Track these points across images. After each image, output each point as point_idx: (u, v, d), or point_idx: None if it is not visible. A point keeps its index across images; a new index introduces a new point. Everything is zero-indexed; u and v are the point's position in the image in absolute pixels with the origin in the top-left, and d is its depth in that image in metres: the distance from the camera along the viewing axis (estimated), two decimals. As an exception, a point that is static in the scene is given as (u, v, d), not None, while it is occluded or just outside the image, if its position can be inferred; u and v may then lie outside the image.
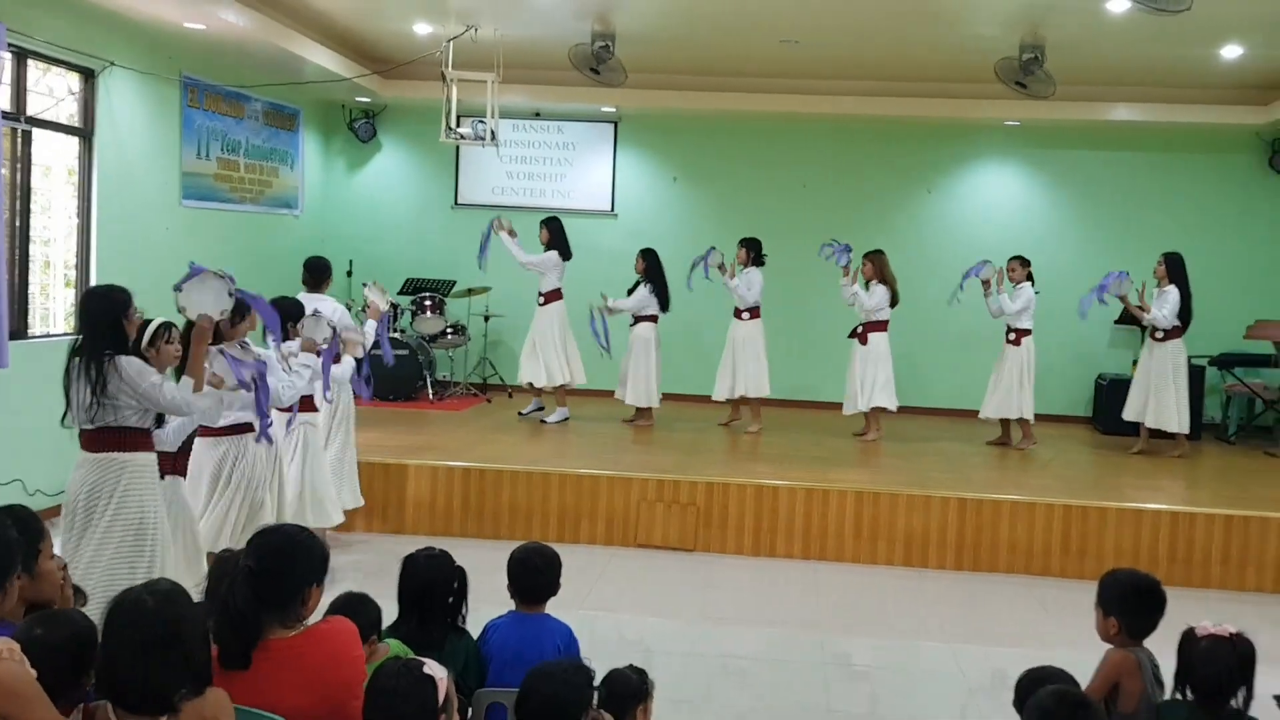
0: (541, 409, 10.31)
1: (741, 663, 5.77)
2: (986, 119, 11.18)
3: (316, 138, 12.20)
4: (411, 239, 12.43)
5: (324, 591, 2.90)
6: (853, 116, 11.34)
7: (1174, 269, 9.51)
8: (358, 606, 3.31)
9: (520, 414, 10.38)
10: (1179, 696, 3.32)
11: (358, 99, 11.82)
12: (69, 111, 8.10)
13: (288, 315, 6.34)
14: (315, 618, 2.87)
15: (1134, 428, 9.81)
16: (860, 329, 9.84)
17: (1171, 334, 9.47)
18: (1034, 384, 9.70)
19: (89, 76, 8.15)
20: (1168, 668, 3.42)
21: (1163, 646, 3.50)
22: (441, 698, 2.52)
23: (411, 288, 11.75)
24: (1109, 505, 7.52)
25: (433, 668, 2.54)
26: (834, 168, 11.97)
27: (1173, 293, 9.41)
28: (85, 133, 8.19)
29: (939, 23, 8.78)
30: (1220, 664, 3.22)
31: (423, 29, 9.59)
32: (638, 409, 10.09)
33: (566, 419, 10.06)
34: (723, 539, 7.71)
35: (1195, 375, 10.36)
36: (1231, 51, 9.25)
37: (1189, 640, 3.29)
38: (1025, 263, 9.84)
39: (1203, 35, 8.78)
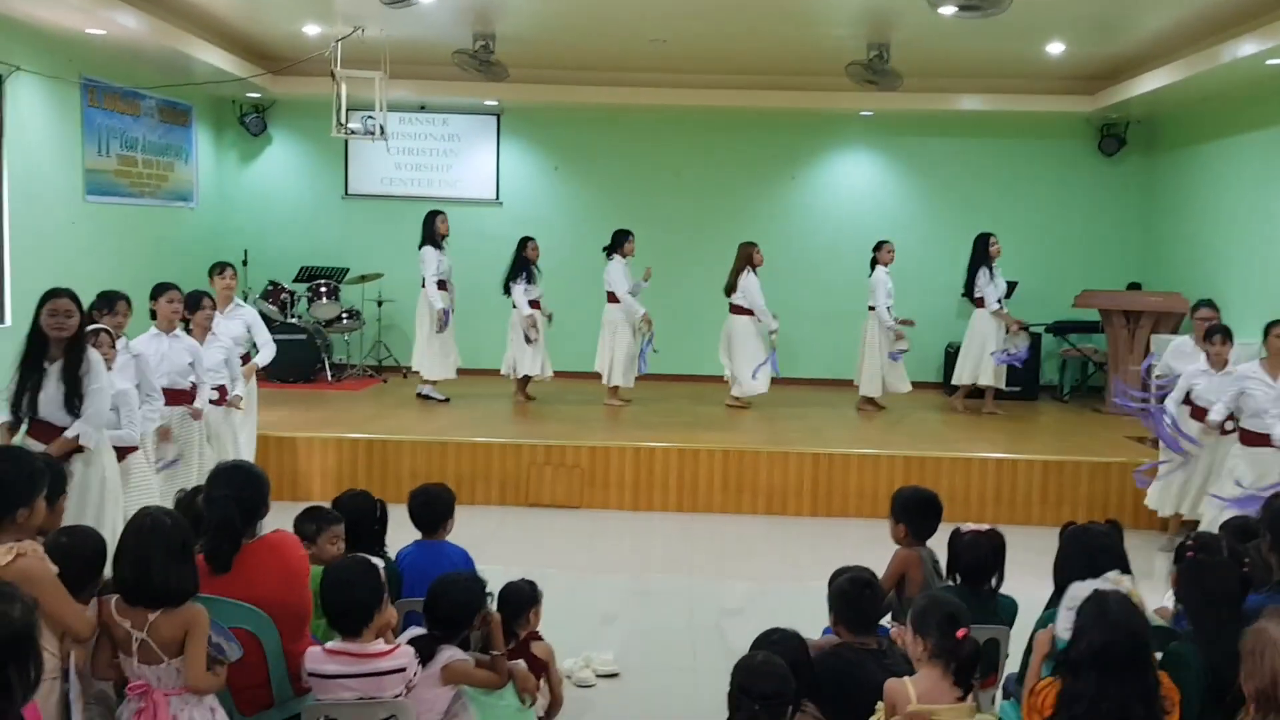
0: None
1: (618, 603, 6.57)
2: (843, 110, 12.11)
3: (209, 132, 12.60)
4: (304, 228, 12.90)
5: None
6: (720, 109, 12.17)
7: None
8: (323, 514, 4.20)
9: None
10: (950, 582, 4.23)
11: (248, 94, 12.26)
12: (-26, 113, 8.51)
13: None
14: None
15: (980, 391, 10.86)
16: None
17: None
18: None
19: (-5, 81, 8.57)
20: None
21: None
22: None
23: (306, 275, 12.26)
24: (944, 455, 8.52)
25: (373, 561, 3.32)
26: (704, 157, 12.81)
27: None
28: (-8, 134, 8.61)
29: (792, 23, 9.63)
30: (979, 552, 4.14)
31: (312, 29, 10.11)
32: (521, 378, 10.75)
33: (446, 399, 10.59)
34: (605, 496, 8.52)
35: (1033, 341, 11.51)
36: (1055, 48, 10.31)
37: (956, 536, 4.21)
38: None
39: (1027, 34, 9.77)
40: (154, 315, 6.74)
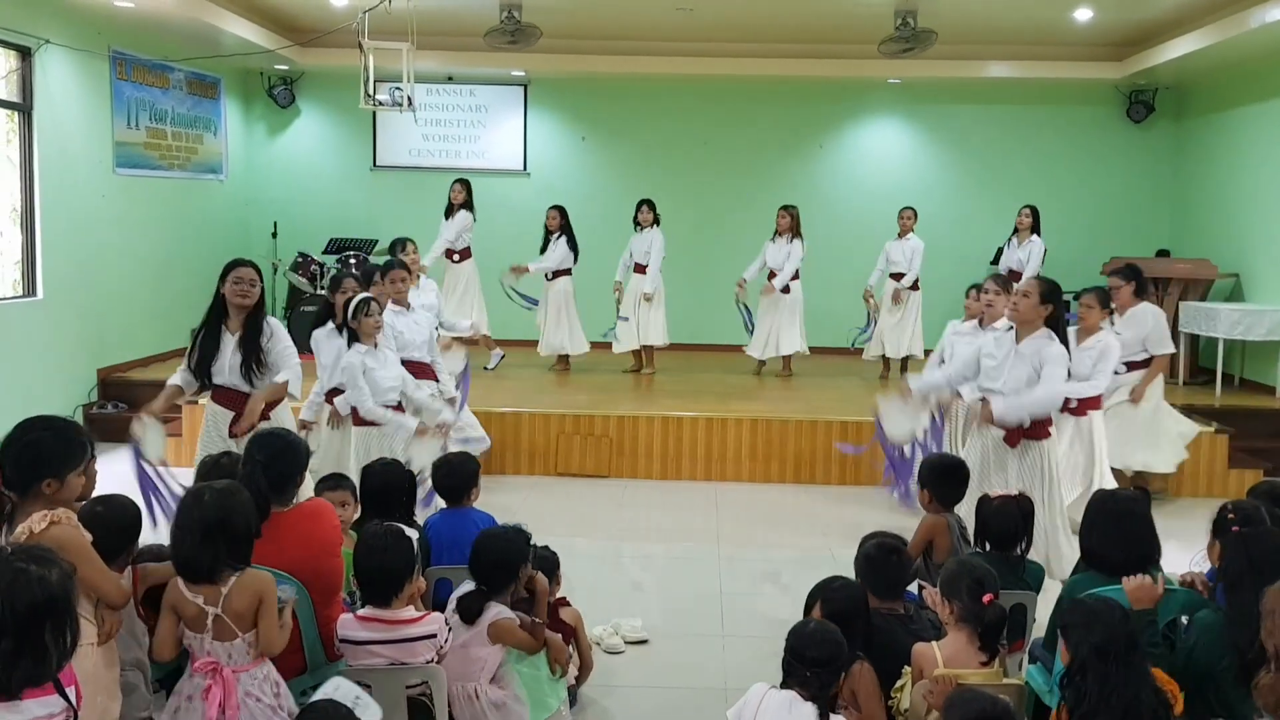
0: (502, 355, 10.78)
1: (646, 571, 6.63)
2: (870, 78, 12.05)
3: (237, 104, 12.67)
4: (333, 200, 12.97)
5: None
6: (747, 77, 12.13)
7: (1035, 221, 10.53)
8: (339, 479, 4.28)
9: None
10: (979, 550, 4.25)
11: (276, 66, 12.30)
12: (6, 88, 8.59)
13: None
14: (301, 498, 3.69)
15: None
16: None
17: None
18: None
19: (25, 55, 8.64)
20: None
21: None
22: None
23: (335, 247, 12.32)
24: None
25: (407, 531, 3.37)
26: (732, 125, 12.77)
27: (1038, 243, 10.45)
28: (24, 108, 8.68)
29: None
30: (1008, 518, 4.15)
31: (339, 1, 10.14)
32: (559, 357, 10.81)
33: (503, 357, 10.54)
34: (634, 466, 8.57)
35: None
36: (1083, 14, 10.21)
37: (984, 503, 4.22)
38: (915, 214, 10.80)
39: (1055, 0, 9.71)
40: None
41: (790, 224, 10.52)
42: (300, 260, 11.97)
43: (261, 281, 5.50)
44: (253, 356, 5.36)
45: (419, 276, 7.80)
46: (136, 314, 10.36)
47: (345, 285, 6.50)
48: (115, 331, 10.00)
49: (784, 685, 3.22)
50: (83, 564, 2.99)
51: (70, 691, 2.54)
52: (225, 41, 10.42)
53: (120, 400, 9.65)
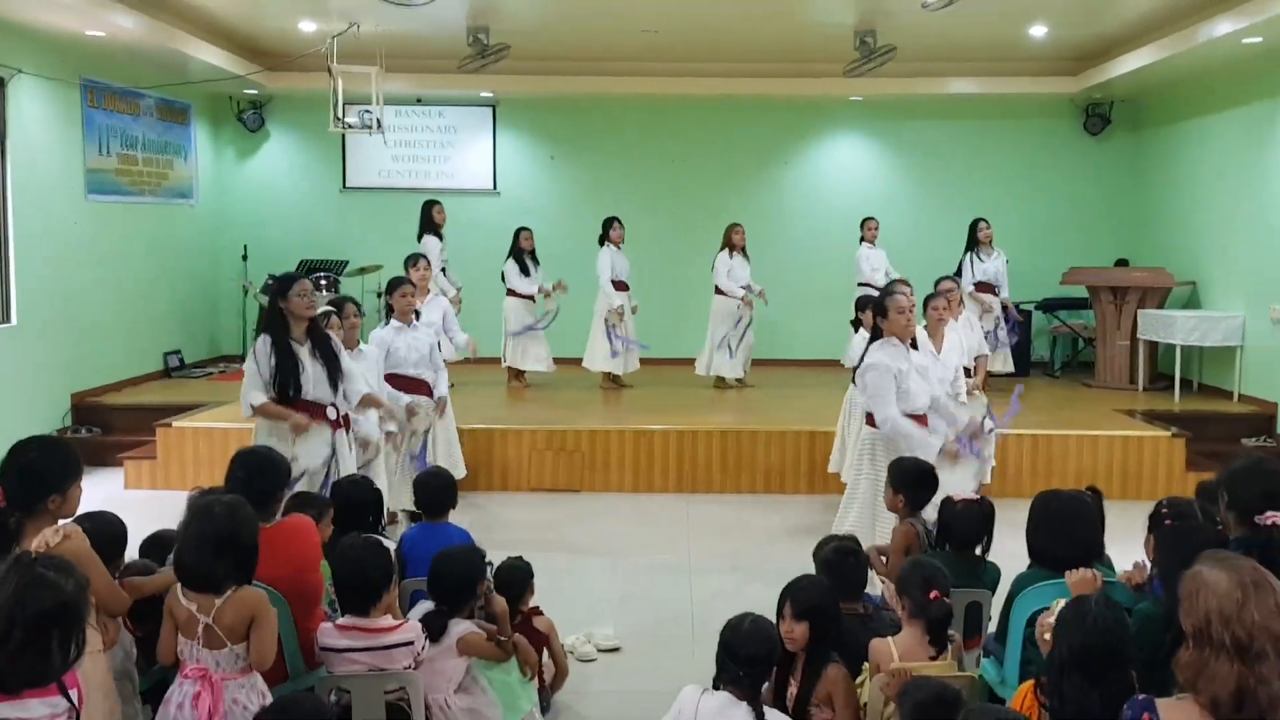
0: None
1: (619, 582, 6.75)
2: (833, 95, 12.26)
3: (207, 129, 12.76)
4: (303, 222, 13.06)
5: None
6: (712, 96, 12.33)
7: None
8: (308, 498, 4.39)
9: None
10: (940, 549, 4.42)
11: (245, 91, 12.40)
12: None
13: None
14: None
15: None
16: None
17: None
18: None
19: (-1, 85, 8.74)
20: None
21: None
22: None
23: (306, 269, 12.38)
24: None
25: (384, 541, 3.50)
26: (699, 143, 12.97)
27: (1003, 254, 10.75)
28: (-3, 136, 8.78)
29: (779, 13, 9.80)
30: (970, 520, 4.33)
31: (308, 26, 10.25)
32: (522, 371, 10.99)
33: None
34: (605, 479, 8.71)
35: (1024, 318, 11.75)
36: (1039, 30, 10.46)
37: (948, 504, 4.39)
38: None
39: (1011, 16, 9.94)
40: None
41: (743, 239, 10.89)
42: (271, 282, 12.03)
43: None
44: (335, 366, 5.43)
45: (429, 292, 8.15)
46: (110, 339, 10.42)
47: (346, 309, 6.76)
48: (89, 356, 10.06)
49: (716, 685, 3.36)
50: (93, 575, 3.13)
51: (74, 694, 2.66)
52: (194, 68, 10.52)
53: (94, 425, 9.70)
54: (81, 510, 3.63)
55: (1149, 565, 3.79)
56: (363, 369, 6.25)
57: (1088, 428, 8.90)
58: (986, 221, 10.92)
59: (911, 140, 12.98)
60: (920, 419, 5.55)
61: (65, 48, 9.43)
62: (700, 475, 8.71)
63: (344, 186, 13.22)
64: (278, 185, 13.18)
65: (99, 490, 5.62)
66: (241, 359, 7.77)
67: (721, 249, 10.87)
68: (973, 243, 10.89)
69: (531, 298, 10.79)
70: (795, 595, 3.68)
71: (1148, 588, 3.65)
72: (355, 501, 4.58)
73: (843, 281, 11.25)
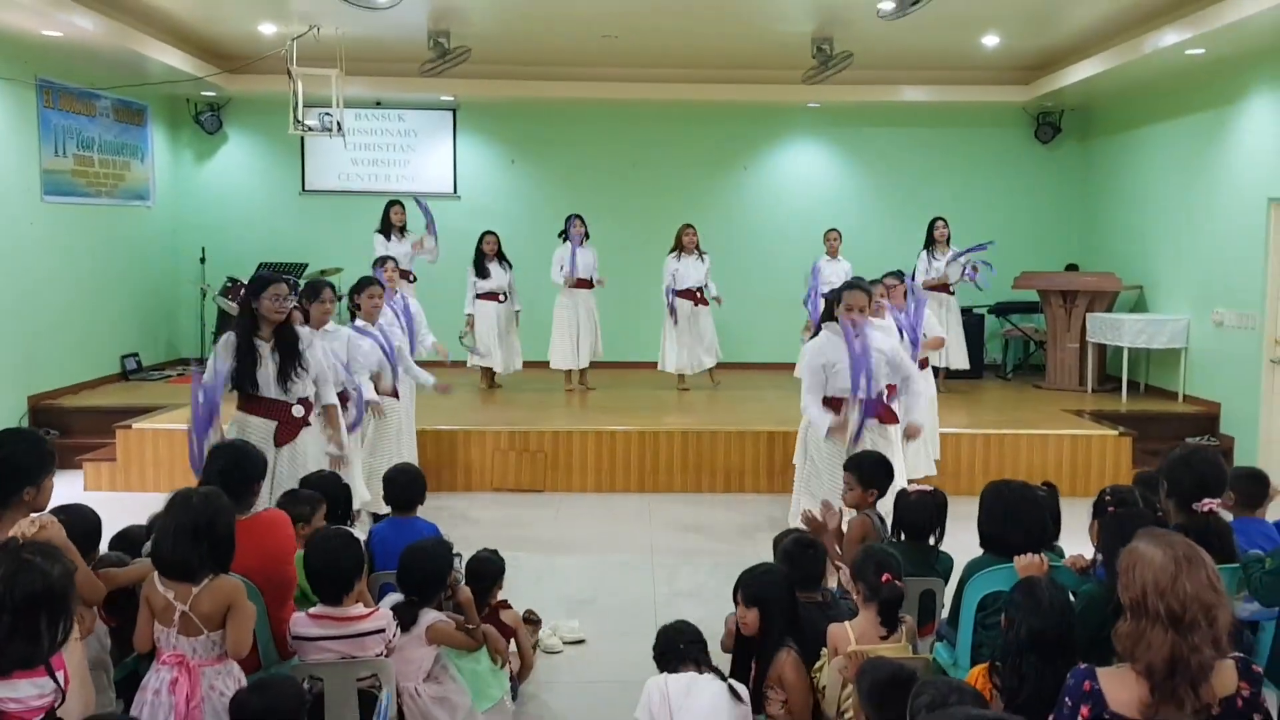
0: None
1: (584, 580, 6.85)
2: (791, 102, 12.44)
3: (164, 131, 12.71)
4: (262, 225, 13.04)
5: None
6: (671, 102, 12.46)
7: None
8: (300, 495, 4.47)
9: None
10: (894, 540, 4.56)
11: (203, 93, 12.37)
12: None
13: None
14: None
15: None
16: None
17: None
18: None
19: (-46, 84, 8.69)
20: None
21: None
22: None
23: (264, 271, 12.39)
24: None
25: (355, 532, 3.59)
26: (658, 147, 13.10)
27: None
28: (-47, 136, 8.73)
29: (737, 20, 9.95)
30: (923, 511, 4.47)
31: (268, 29, 10.26)
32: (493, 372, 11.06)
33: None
34: (569, 480, 8.80)
35: (976, 322, 11.99)
36: (990, 40, 10.69)
37: (902, 496, 4.54)
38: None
39: (963, 26, 10.14)
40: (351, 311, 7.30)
41: (697, 240, 11.00)
42: (230, 285, 12.02)
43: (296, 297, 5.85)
44: (289, 364, 5.54)
45: (397, 293, 8.24)
46: (67, 340, 10.37)
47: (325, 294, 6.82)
48: (46, 358, 10.01)
49: (671, 671, 3.72)
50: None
51: (60, 676, 2.73)
52: (152, 69, 10.50)
53: (51, 427, 9.65)
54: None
55: (1095, 552, 3.95)
56: (334, 347, 6.41)
57: (1038, 427, 9.12)
58: (944, 221, 11.14)
59: (867, 146, 13.19)
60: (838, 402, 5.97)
61: (21, 47, 9.39)
62: (662, 475, 8.83)
63: (303, 189, 13.21)
64: (236, 188, 13.15)
65: (59, 492, 5.54)
66: (200, 362, 7.79)
67: (671, 250, 11.00)
68: (929, 241, 11.09)
69: (497, 297, 10.85)
70: (746, 584, 3.91)
71: (1091, 571, 3.81)
72: (323, 497, 4.65)
73: (799, 286, 11.39)
